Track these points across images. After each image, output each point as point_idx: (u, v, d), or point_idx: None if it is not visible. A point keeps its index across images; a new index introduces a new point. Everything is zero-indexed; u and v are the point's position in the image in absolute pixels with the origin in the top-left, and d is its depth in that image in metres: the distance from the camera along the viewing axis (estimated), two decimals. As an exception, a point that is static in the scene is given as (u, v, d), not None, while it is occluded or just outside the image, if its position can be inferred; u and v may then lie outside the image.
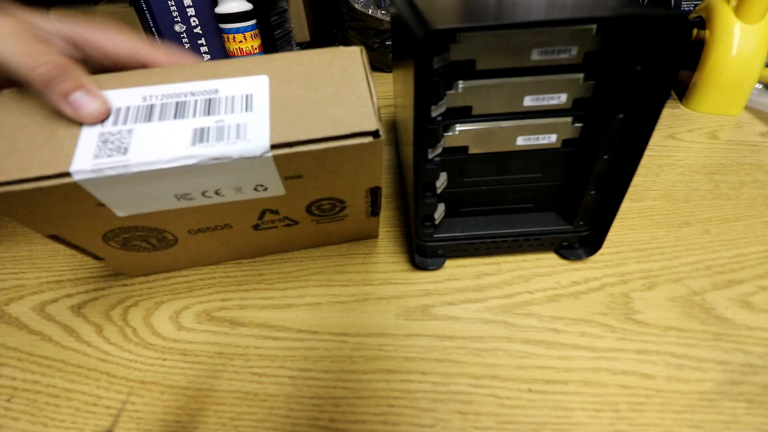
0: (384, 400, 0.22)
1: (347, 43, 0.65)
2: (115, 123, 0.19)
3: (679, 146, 0.42)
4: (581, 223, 0.27)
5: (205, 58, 0.60)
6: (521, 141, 0.24)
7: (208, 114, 0.19)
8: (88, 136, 0.18)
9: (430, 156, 0.23)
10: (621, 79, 0.21)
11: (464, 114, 0.23)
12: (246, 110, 0.19)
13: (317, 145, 0.19)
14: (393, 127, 0.48)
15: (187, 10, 0.55)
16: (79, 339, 0.26)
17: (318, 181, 0.22)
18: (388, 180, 0.39)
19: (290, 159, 0.19)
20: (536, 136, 0.24)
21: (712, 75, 0.45)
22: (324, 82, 0.20)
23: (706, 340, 0.24)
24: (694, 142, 0.43)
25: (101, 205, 0.20)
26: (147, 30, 0.57)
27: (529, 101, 0.22)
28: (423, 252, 0.29)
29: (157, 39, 0.57)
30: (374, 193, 0.25)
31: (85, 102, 0.18)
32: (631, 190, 0.36)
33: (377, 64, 0.65)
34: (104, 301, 0.28)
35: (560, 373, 0.23)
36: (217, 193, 0.21)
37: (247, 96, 0.20)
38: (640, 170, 0.39)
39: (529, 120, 0.23)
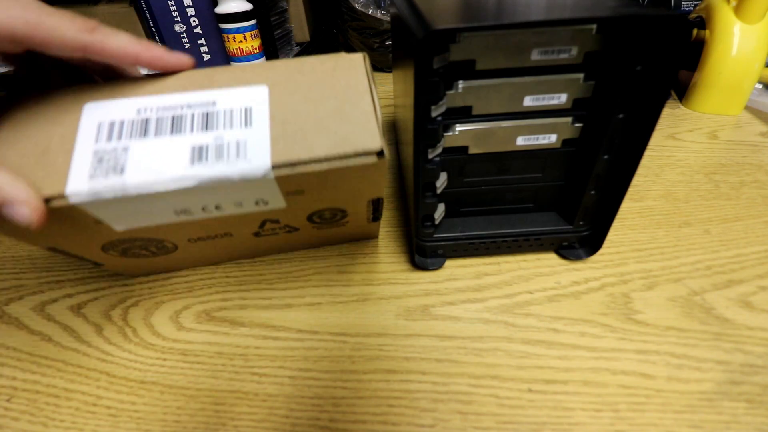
0: (384, 400, 0.22)
1: (347, 43, 0.65)
2: (109, 139, 0.18)
3: (679, 146, 0.42)
4: (581, 223, 0.27)
5: (205, 59, 0.60)
6: (521, 141, 0.24)
7: (206, 129, 0.18)
8: (83, 154, 0.18)
9: (430, 156, 0.23)
10: (621, 79, 0.21)
11: (464, 114, 0.23)
12: (245, 125, 0.18)
13: (319, 165, 0.18)
14: (393, 127, 0.48)
15: (187, 10, 0.55)
16: (79, 339, 0.26)
17: (320, 195, 0.21)
18: (388, 180, 0.39)
19: (292, 178, 0.18)
20: (536, 136, 0.24)
21: (712, 75, 0.45)
22: (326, 93, 0.19)
23: (706, 340, 0.24)
24: (694, 142, 0.43)
25: (99, 222, 0.20)
26: (147, 30, 0.57)
27: (529, 101, 0.22)
28: (423, 252, 0.29)
29: (157, 39, 0.57)
30: (377, 203, 0.24)
31: (18, 214, 0.16)
32: (631, 190, 0.36)
33: (377, 64, 0.65)
34: (104, 301, 0.28)
35: (560, 373, 0.23)
36: (217, 208, 0.20)
37: (246, 109, 0.19)
38: (640, 170, 0.39)
39: (529, 120, 0.23)
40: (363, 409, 0.22)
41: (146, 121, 0.18)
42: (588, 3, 0.22)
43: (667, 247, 0.30)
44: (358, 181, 0.20)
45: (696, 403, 0.21)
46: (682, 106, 0.50)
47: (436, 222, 0.27)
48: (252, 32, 0.54)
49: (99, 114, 0.18)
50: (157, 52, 0.19)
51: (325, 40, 0.71)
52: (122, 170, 0.17)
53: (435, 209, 0.26)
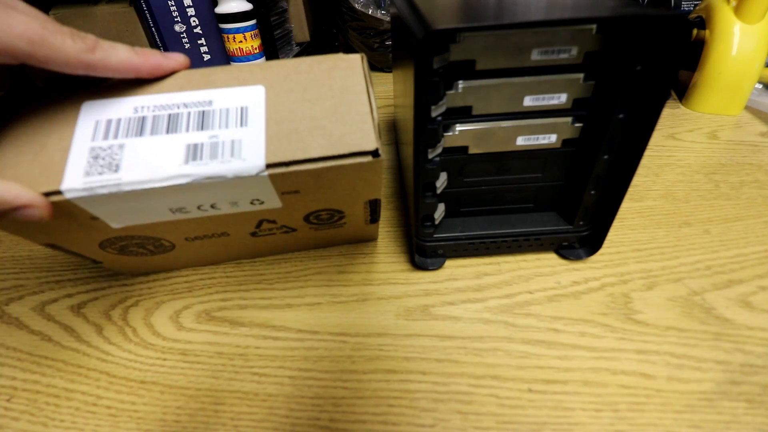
0: (384, 400, 0.22)
1: (347, 42, 0.65)
2: (106, 137, 0.18)
3: (679, 146, 0.42)
4: (581, 223, 0.27)
5: (205, 59, 0.60)
6: (521, 141, 0.24)
7: (202, 128, 0.18)
8: (79, 151, 0.18)
9: (430, 156, 0.23)
10: (621, 79, 0.21)
11: (464, 114, 0.23)
12: (241, 125, 0.18)
13: (314, 165, 0.18)
14: (393, 127, 0.48)
15: (187, 10, 0.55)
16: (79, 339, 0.26)
17: (316, 196, 0.21)
18: (388, 180, 0.39)
19: (286, 177, 0.18)
20: (536, 136, 0.24)
21: (712, 75, 0.45)
22: (322, 94, 0.19)
23: (706, 340, 0.24)
24: (694, 142, 0.43)
25: (95, 218, 0.20)
26: (147, 30, 0.57)
27: (529, 101, 0.22)
28: (423, 252, 0.29)
29: (157, 39, 0.57)
30: (373, 204, 0.24)
31: (29, 215, 0.17)
32: (631, 190, 0.36)
33: (377, 64, 0.65)
34: (104, 301, 0.28)
35: (560, 373, 0.23)
36: (212, 206, 0.21)
37: (242, 109, 0.19)
38: (640, 170, 0.39)
39: (529, 120, 0.23)
40: (363, 409, 0.22)
41: (143, 120, 0.18)
42: (588, 3, 0.22)
43: (667, 247, 0.30)
44: (353, 182, 0.20)
45: (696, 403, 0.21)
46: (682, 106, 0.50)
47: (436, 222, 0.27)
48: (252, 32, 0.54)
49: (97, 112, 0.19)
50: (155, 61, 0.19)
51: (325, 40, 0.71)
52: (117, 167, 0.18)
53: (435, 209, 0.26)
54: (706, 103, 0.48)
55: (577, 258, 0.29)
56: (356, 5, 0.58)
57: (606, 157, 0.23)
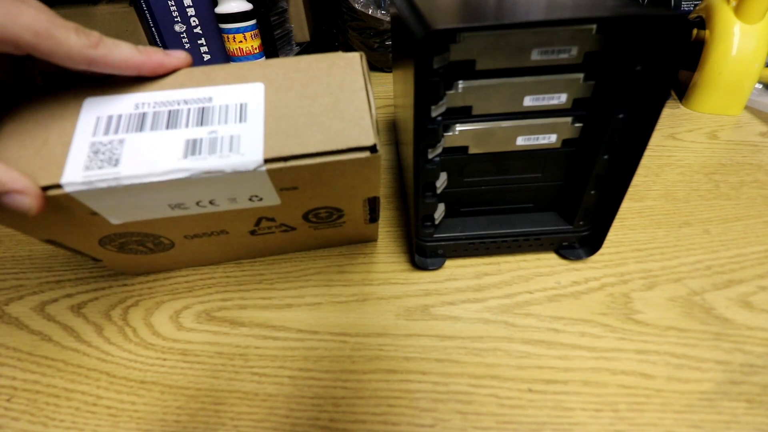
0: (384, 400, 0.22)
1: (347, 42, 0.65)
2: (106, 132, 0.18)
3: (679, 146, 0.42)
4: (581, 223, 0.27)
5: (205, 59, 0.60)
6: (521, 141, 0.24)
7: (201, 124, 0.19)
8: (80, 146, 0.18)
9: (430, 156, 0.23)
10: (621, 79, 0.21)
11: (464, 114, 0.23)
12: (240, 120, 0.19)
13: (312, 160, 0.18)
14: (393, 127, 0.48)
15: (187, 10, 0.55)
16: (79, 339, 0.26)
17: (314, 193, 0.22)
18: (388, 180, 0.39)
19: (284, 173, 0.19)
20: (536, 136, 0.24)
21: (712, 75, 0.45)
22: (321, 91, 0.19)
23: (706, 340, 0.24)
24: (694, 142, 0.43)
25: (95, 213, 0.20)
26: (147, 30, 0.57)
27: (529, 101, 0.22)
28: (423, 252, 0.29)
29: (157, 39, 0.57)
30: (372, 202, 0.24)
31: (18, 202, 0.17)
32: (631, 190, 0.36)
33: (377, 64, 0.65)
34: (104, 301, 0.28)
35: (560, 373, 0.23)
36: (211, 203, 0.21)
37: (241, 105, 0.19)
38: (640, 170, 0.39)
39: (529, 120, 0.23)
40: (363, 409, 0.22)
41: (143, 116, 0.19)
42: (588, 3, 0.22)
43: (667, 247, 0.30)
44: (351, 178, 0.21)
45: (696, 403, 0.21)
46: (682, 106, 0.50)
47: (436, 222, 0.27)
48: (252, 32, 0.54)
49: (98, 108, 0.19)
50: (157, 59, 0.19)
51: (325, 40, 0.71)
52: (117, 162, 0.18)
53: (435, 209, 0.26)
54: (706, 103, 0.48)
55: (577, 258, 0.29)
56: (356, 5, 0.58)
57: (606, 157, 0.23)
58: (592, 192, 0.25)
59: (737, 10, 0.43)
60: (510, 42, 0.20)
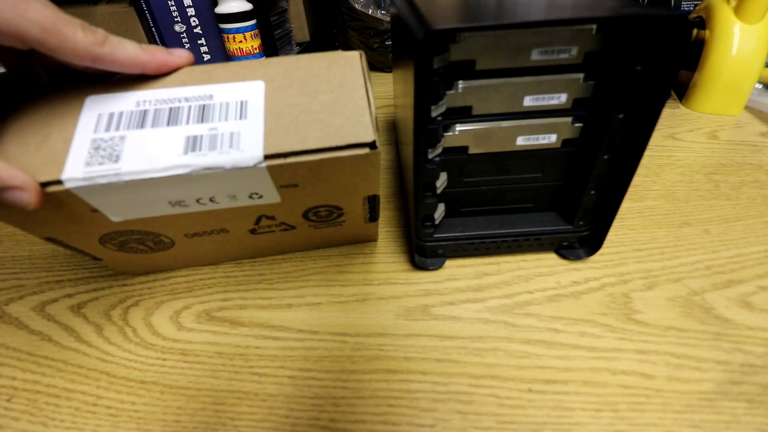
0: (384, 400, 0.22)
1: (347, 42, 0.65)
2: (107, 129, 0.18)
3: (679, 146, 0.42)
4: (581, 223, 0.27)
5: (205, 59, 0.60)
6: (521, 141, 0.24)
7: (202, 121, 0.19)
8: (81, 142, 0.18)
9: (430, 156, 0.23)
10: (621, 79, 0.21)
11: (464, 114, 0.23)
12: (240, 118, 0.19)
13: (312, 156, 0.18)
14: (393, 127, 0.48)
15: (187, 10, 0.55)
16: (79, 339, 0.26)
17: (314, 190, 0.22)
18: (388, 180, 0.39)
19: (284, 169, 0.19)
20: (536, 136, 0.24)
21: (712, 75, 0.45)
22: (321, 88, 0.19)
23: (706, 340, 0.24)
24: (694, 142, 0.43)
25: (95, 210, 0.20)
26: (147, 30, 0.57)
27: (529, 101, 0.22)
28: (423, 252, 0.29)
29: (157, 39, 0.57)
30: (372, 201, 0.25)
31: (17, 198, 0.17)
32: (631, 190, 0.36)
33: (377, 64, 0.65)
34: (104, 301, 0.28)
35: (560, 373, 0.23)
36: (211, 200, 0.21)
37: (241, 102, 0.19)
38: (640, 170, 0.39)
39: (529, 120, 0.23)
40: (363, 409, 0.22)
41: (144, 113, 0.19)
42: (588, 3, 0.22)
43: (667, 247, 0.30)
44: (351, 175, 0.21)
45: (696, 403, 0.21)
46: (682, 106, 0.50)
47: (436, 222, 0.27)
48: (252, 32, 0.54)
49: (100, 106, 0.19)
50: (160, 58, 0.20)
51: (325, 40, 0.72)
52: (117, 158, 0.18)
53: (435, 209, 0.26)
54: (706, 103, 0.48)
55: (577, 258, 0.29)
56: (356, 5, 0.58)
57: (606, 157, 0.23)
58: (592, 192, 0.25)
59: (737, 10, 0.43)
60: (510, 42, 0.20)
